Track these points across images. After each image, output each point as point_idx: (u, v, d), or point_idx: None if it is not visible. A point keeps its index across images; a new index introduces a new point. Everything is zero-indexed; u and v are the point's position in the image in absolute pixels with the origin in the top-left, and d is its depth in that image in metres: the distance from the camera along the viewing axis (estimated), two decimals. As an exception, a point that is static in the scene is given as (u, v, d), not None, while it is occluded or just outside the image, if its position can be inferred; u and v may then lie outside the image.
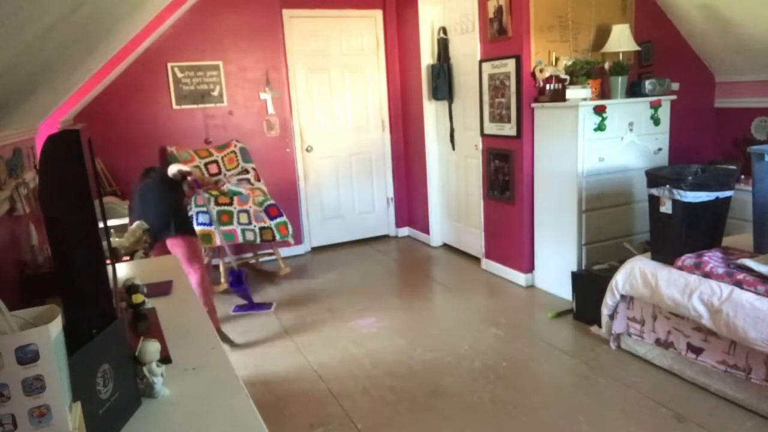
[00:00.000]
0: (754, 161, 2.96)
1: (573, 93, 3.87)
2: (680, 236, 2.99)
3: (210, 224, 4.33)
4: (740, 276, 2.66)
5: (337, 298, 4.44)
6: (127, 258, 3.18)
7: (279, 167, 5.41)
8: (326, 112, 5.61)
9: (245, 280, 4.20)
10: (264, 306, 4.26)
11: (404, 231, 6.13)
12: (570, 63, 4.04)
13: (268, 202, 4.67)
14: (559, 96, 3.93)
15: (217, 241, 4.34)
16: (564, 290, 4.03)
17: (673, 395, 2.83)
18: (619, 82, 3.95)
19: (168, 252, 3.53)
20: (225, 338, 3.65)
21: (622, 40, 4.02)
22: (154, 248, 3.44)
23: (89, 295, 1.21)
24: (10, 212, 2.36)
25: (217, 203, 4.42)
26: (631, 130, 3.99)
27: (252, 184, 4.95)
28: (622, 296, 3.20)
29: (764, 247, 2.91)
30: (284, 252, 5.24)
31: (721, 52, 4.62)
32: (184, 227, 3.62)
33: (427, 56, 5.29)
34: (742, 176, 4.23)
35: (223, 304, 4.38)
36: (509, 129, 4.27)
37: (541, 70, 4.03)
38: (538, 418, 2.73)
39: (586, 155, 3.85)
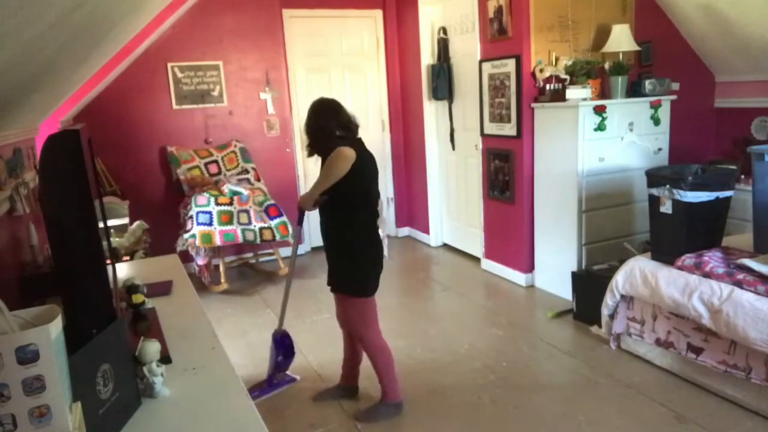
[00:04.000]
0: (754, 161, 2.96)
1: (573, 93, 3.87)
2: (680, 236, 2.99)
3: (210, 224, 4.34)
4: (740, 276, 2.66)
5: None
6: (127, 258, 3.19)
7: (279, 167, 5.41)
8: (326, 112, 5.60)
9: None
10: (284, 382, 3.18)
11: (404, 231, 6.13)
12: (570, 63, 4.04)
13: (268, 202, 4.67)
14: (559, 96, 3.93)
15: (217, 241, 4.34)
16: (564, 290, 4.03)
17: (673, 395, 2.83)
18: (619, 82, 3.95)
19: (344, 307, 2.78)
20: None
21: (622, 40, 4.02)
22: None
23: (89, 295, 1.21)
24: (10, 212, 2.36)
25: (217, 203, 4.42)
26: (631, 130, 3.99)
27: (252, 184, 4.95)
28: (622, 296, 3.20)
29: (764, 247, 2.91)
30: (284, 252, 5.23)
31: (721, 52, 4.62)
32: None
33: (427, 56, 5.29)
34: (742, 176, 4.23)
35: (221, 304, 4.38)
36: (509, 129, 4.27)
37: (541, 70, 4.03)
38: (538, 418, 2.73)
39: (586, 155, 3.85)
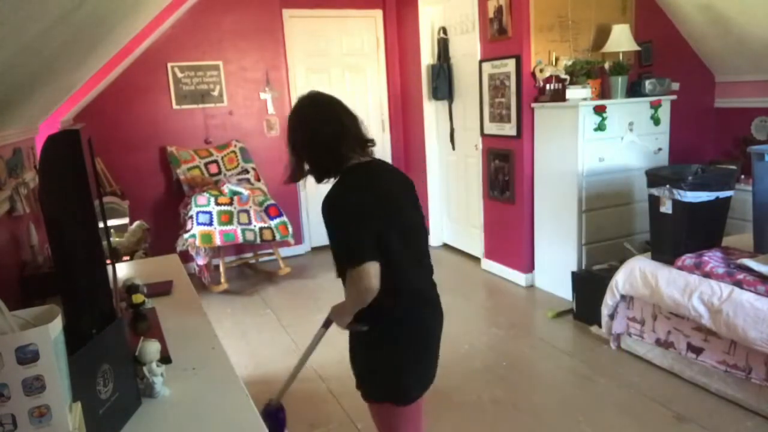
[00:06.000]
0: (754, 161, 2.96)
1: (573, 93, 3.87)
2: (680, 236, 2.99)
3: (210, 224, 4.34)
4: (740, 276, 2.66)
5: (337, 298, 4.42)
6: (127, 258, 3.19)
7: (279, 167, 5.40)
8: (326, 112, 5.60)
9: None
10: None
11: (404, 231, 6.11)
12: (570, 63, 4.04)
13: (268, 202, 4.67)
14: (559, 96, 3.93)
15: (217, 241, 4.34)
16: (564, 290, 4.03)
17: (673, 395, 2.83)
18: (619, 82, 3.95)
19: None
20: None
21: (622, 40, 4.02)
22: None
23: (89, 295, 1.21)
24: (10, 212, 2.37)
25: (217, 203, 4.42)
26: (631, 130, 3.99)
27: (252, 184, 4.95)
28: (622, 296, 3.20)
29: (764, 247, 2.91)
30: (284, 252, 5.24)
31: (721, 52, 4.62)
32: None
33: (427, 56, 5.29)
34: (742, 176, 4.23)
35: (221, 304, 4.38)
36: (509, 129, 4.27)
37: (541, 70, 4.03)
38: (538, 418, 2.73)
39: (586, 155, 3.85)
